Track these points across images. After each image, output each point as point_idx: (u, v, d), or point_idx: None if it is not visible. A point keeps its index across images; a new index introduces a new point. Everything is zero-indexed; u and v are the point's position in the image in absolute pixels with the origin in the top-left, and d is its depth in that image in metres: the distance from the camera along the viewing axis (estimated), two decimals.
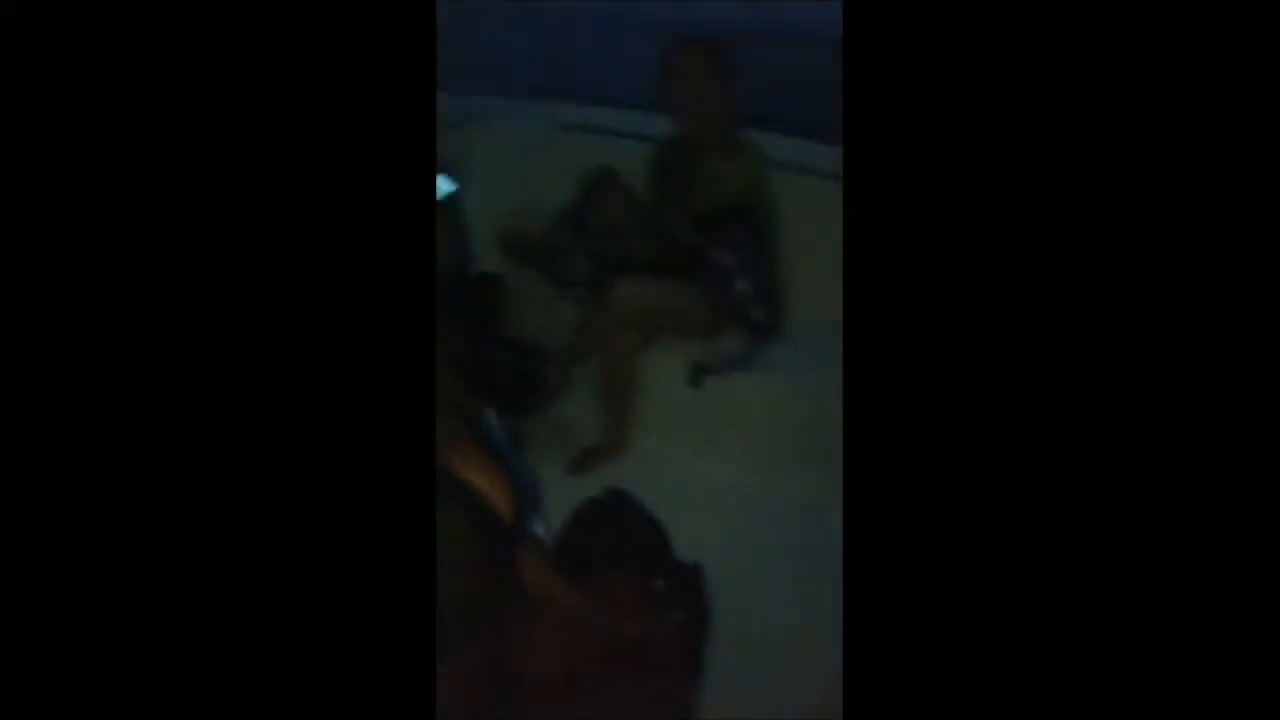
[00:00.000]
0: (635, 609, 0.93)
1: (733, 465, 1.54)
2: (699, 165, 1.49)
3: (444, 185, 1.27)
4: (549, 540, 1.12)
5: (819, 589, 1.19)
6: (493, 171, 1.75)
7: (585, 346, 1.52)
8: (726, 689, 0.96)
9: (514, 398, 1.43)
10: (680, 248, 1.49)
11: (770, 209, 1.53)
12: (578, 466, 1.49)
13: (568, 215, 1.64)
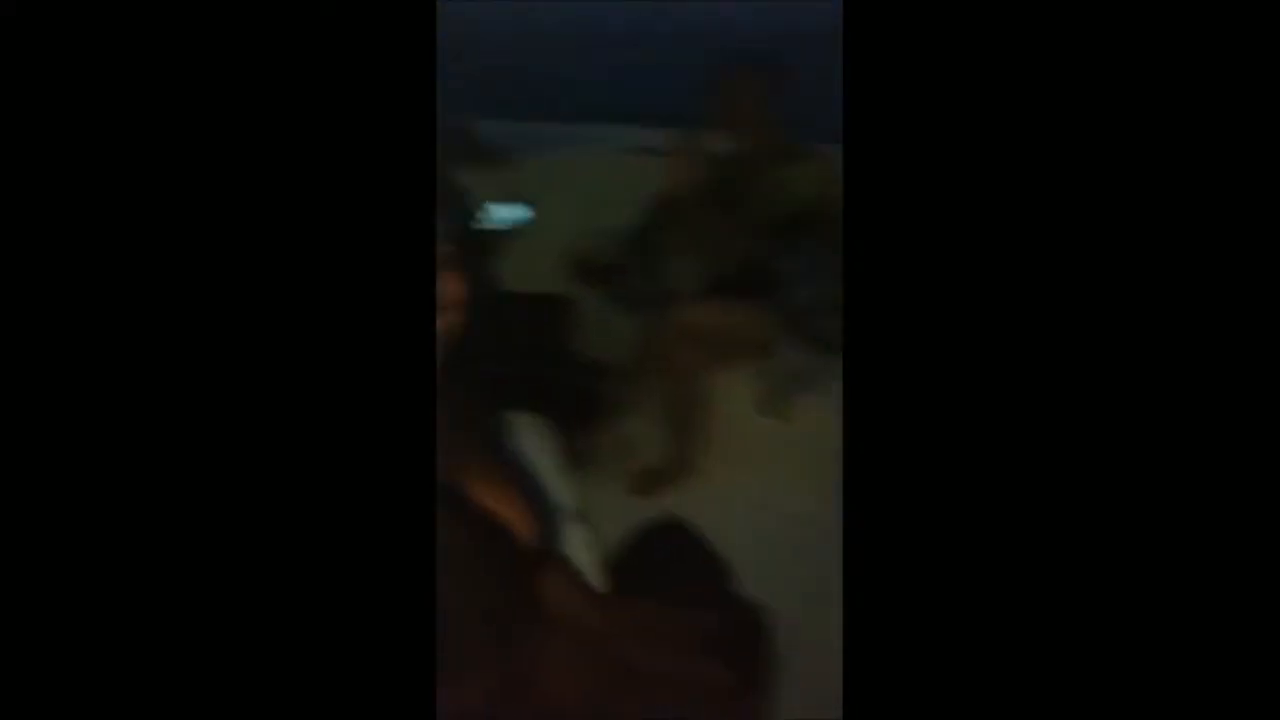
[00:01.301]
0: (676, 645, 0.83)
1: (804, 497, 1.40)
2: (760, 176, 1.47)
3: (514, 212, 1.30)
4: (585, 561, 1.04)
5: None
6: (562, 196, 1.77)
7: (648, 364, 1.46)
8: None
9: (574, 414, 1.38)
10: (744, 263, 1.43)
11: (839, 217, 1.44)
12: (640, 487, 1.43)
13: (634, 235, 1.61)
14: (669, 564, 1.03)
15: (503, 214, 1.34)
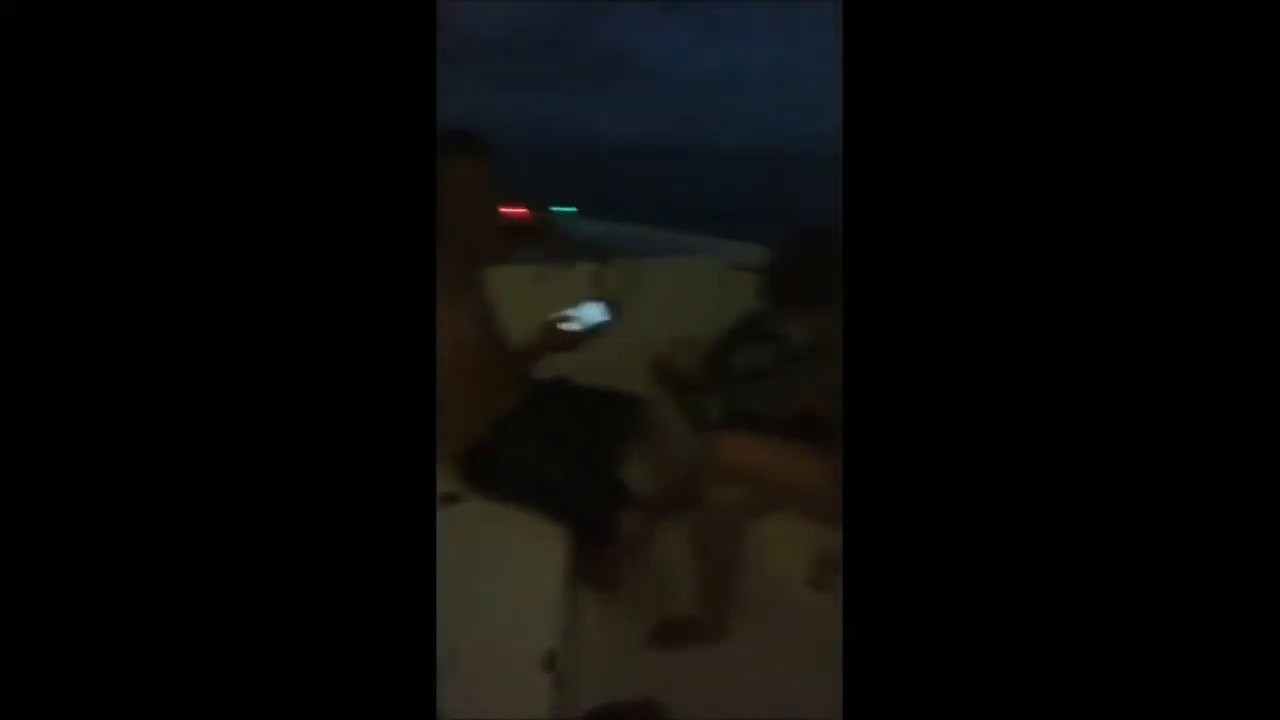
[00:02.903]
0: None
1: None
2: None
3: (596, 314, 1.28)
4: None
5: None
6: (660, 300, 1.73)
7: (682, 499, 1.31)
8: None
9: (602, 530, 1.27)
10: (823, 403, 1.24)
11: None
12: (657, 640, 1.26)
13: (713, 354, 1.51)
14: None
15: (589, 313, 1.32)
